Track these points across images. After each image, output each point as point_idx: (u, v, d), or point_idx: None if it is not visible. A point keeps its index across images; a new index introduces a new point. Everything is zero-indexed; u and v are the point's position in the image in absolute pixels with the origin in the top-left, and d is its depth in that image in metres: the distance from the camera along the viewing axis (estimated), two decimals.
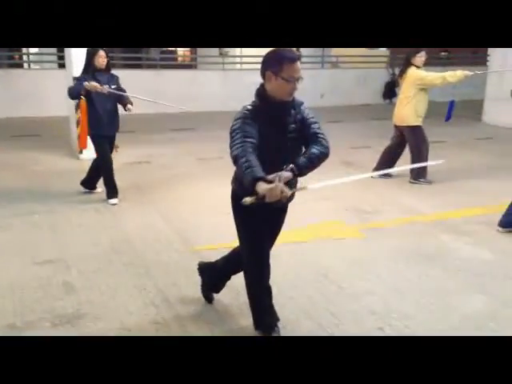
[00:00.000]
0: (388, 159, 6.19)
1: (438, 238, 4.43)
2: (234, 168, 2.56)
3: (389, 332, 2.99)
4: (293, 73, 2.45)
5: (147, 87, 10.51)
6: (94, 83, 4.78)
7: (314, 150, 2.56)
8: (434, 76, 5.71)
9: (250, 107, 2.56)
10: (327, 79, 12.26)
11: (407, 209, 5.17)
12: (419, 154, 5.94)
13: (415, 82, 5.74)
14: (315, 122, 2.64)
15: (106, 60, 4.94)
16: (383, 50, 19.90)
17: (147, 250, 4.11)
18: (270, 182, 2.30)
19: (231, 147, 2.46)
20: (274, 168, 2.50)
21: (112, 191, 5.22)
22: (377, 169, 6.26)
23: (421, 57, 5.79)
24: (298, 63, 2.48)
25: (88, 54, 4.94)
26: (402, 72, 5.93)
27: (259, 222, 2.70)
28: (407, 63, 5.86)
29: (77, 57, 6.57)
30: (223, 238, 4.21)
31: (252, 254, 2.78)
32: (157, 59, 15.24)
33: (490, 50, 11.00)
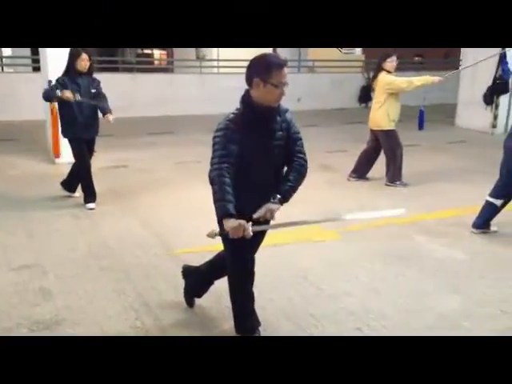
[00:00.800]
0: (365, 163, 6.30)
1: (413, 239, 4.52)
2: None
3: (367, 332, 3.04)
4: (281, 78, 2.46)
5: (123, 91, 10.46)
6: (68, 93, 4.75)
7: (295, 174, 2.64)
8: (400, 80, 5.84)
9: (232, 116, 2.55)
10: (304, 83, 12.37)
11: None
12: (394, 158, 6.06)
13: (385, 87, 5.86)
14: (300, 139, 2.69)
15: (88, 63, 4.90)
16: (358, 55, 20.20)
17: (126, 254, 4.09)
18: (254, 221, 2.49)
19: (210, 164, 2.52)
20: (260, 178, 2.58)
21: (90, 196, 5.17)
22: (354, 171, 6.36)
23: (391, 62, 5.89)
24: (285, 68, 2.49)
25: (70, 56, 4.87)
26: (374, 77, 6.05)
27: None
28: (379, 68, 5.97)
29: (52, 59, 6.51)
30: (204, 241, 4.17)
31: (236, 261, 2.80)
32: (133, 62, 15.16)
33: (463, 55, 11.25)
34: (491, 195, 4.55)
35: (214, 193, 2.47)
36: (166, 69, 15.95)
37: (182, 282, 3.32)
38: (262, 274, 3.13)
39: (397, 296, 3.50)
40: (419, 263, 4.03)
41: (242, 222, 2.41)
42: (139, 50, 25.40)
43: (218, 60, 14.50)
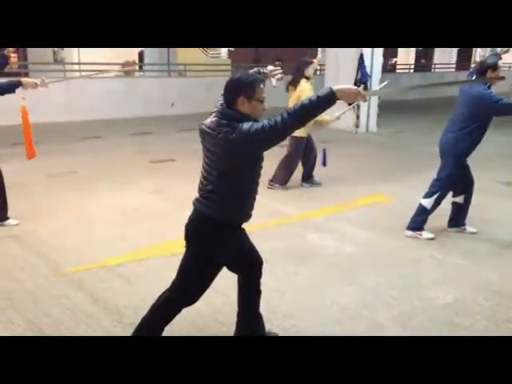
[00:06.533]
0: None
1: (305, 237, 4.68)
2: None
3: (277, 332, 3.07)
4: (263, 93, 2.53)
5: None
6: None
7: None
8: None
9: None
10: (176, 88, 12.22)
11: (273, 212, 5.35)
12: (290, 164, 6.18)
13: (302, 96, 5.64)
14: None
15: None
16: (224, 58, 20.57)
17: (6, 280, 3.67)
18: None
19: (275, 124, 2.35)
20: (257, 186, 2.67)
21: None
22: (275, 177, 6.26)
23: (314, 68, 5.99)
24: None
25: None
26: (296, 82, 5.96)
27: (229, 258, 2.79)
28: (300, 74, 5.93)
29: None
30: (92, 256, 3.96)
31: (201, 289, 2.71)
32: None
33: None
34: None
35: (301, 115, 2.38)
36: (19, 73, 14.58)
37: (76, 302, 3.06)
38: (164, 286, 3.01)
39: (299, 294, 3.60)
40: (314, 259, 4.19)
41: (353, 87, 2.38)
42: None
43: (79, 64, 13.73)
